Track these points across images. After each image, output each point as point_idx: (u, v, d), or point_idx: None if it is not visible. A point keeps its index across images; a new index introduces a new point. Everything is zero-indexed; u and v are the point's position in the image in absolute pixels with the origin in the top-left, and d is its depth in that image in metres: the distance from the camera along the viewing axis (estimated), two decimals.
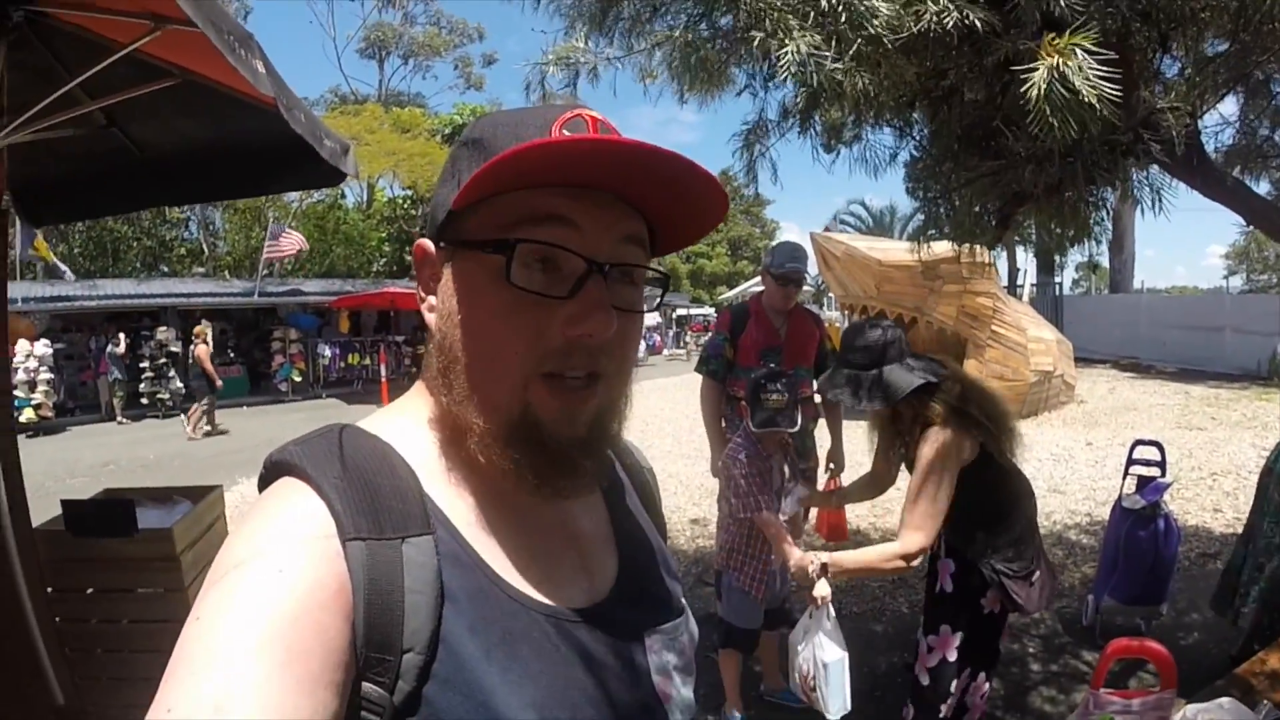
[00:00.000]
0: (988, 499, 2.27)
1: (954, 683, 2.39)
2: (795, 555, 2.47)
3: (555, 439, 0.61)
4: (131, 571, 2.74)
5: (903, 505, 2.29)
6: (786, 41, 1.79)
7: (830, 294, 18.59)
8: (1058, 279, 22.80)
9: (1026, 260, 21.76)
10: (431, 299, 0.67)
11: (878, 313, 10.52)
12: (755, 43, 1.88)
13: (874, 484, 2.79)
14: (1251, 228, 2.71)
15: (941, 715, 2.41)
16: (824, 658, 2.37)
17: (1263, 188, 2.96)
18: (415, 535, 0.57)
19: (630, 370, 0.68)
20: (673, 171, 0.59)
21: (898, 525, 2.35)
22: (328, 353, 18.51)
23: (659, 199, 0.62)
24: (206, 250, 27.04)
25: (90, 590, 2.79)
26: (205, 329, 12.84)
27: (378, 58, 36.12)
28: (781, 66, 1.81)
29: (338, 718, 0.50)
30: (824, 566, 2.35)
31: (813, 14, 1.82)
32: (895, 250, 10.36)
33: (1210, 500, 6.20)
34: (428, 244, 0.67)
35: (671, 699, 0.70)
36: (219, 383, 12.75)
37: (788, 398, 2.70)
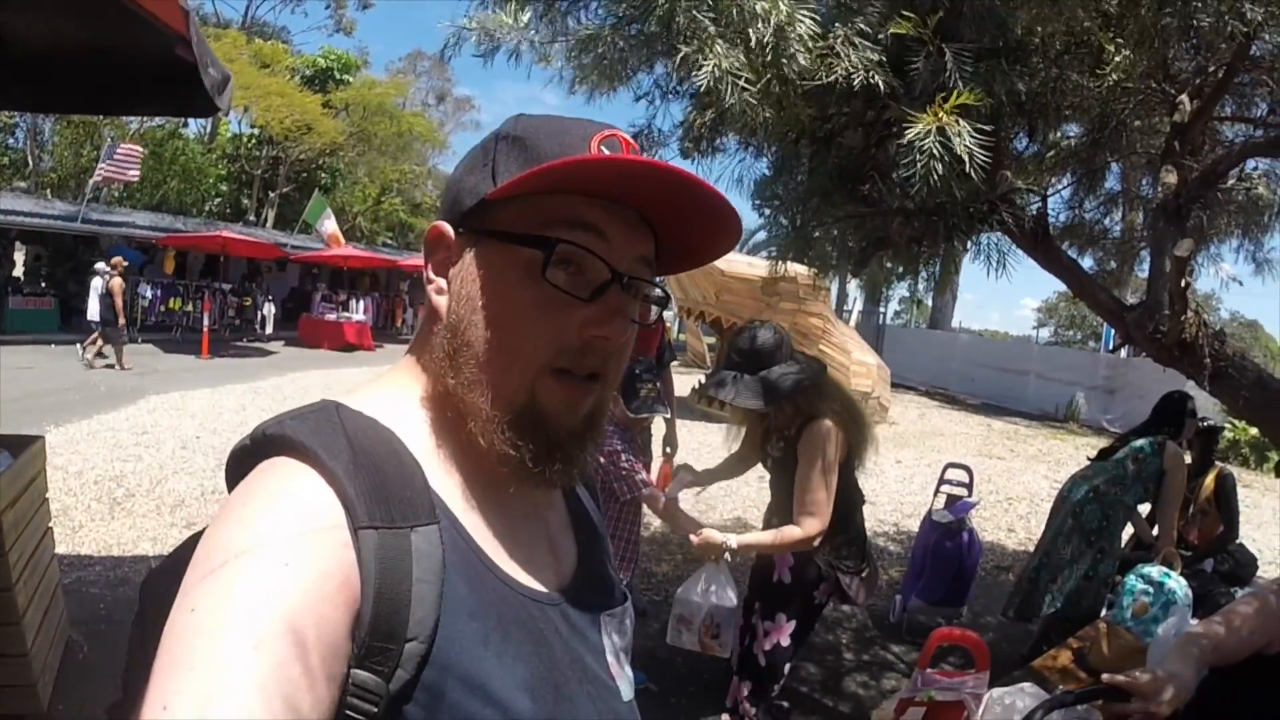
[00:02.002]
0: (837, 501, 2.48)
1: (787, 665, 2.65)
2: (706, 533, 2.63)
3: (556, 428, 0.65)
4: None
5: (795, 496, 2.46)
6: (711, 57, 1.90)
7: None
8: (882, 309, 24.67)
9: (855, 288, 23.40)
10: (441, 281, 0.68)
11: (714, 320, 10.99)
12: (680, 56, 1.97)
13: (738, 463, 2.99)
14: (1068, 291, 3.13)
15: (773, 695, 2.67)
16: (727, 604, 2.67)
17: (1086, 261, 3.43)
18: (423, 524, 0.57)
19: (620, 375, 0.72)
20: (705, 202, 0.64)
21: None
22: (149, 294, 16.87)
23: (678, 221, 0.67)
24: (31, 164, 23.94)
25: None
26: (121, 261, 12.69)
27: None
28: (700, 77, 1.92)
29: (333, 707, 0.50)
30: (732, 550, 2.56)
31: (740, 44, 1.94)
32: (738, 263, 10.84)
33: (1005, 521, 7.09)
34: (446, 227, 0.68)
35: (620, 677, 0.76)
36: (123, 321, 12.35)
37: (658, 386, 2.91)
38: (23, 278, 17.08)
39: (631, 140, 0.68)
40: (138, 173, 17.08)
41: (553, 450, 0.65)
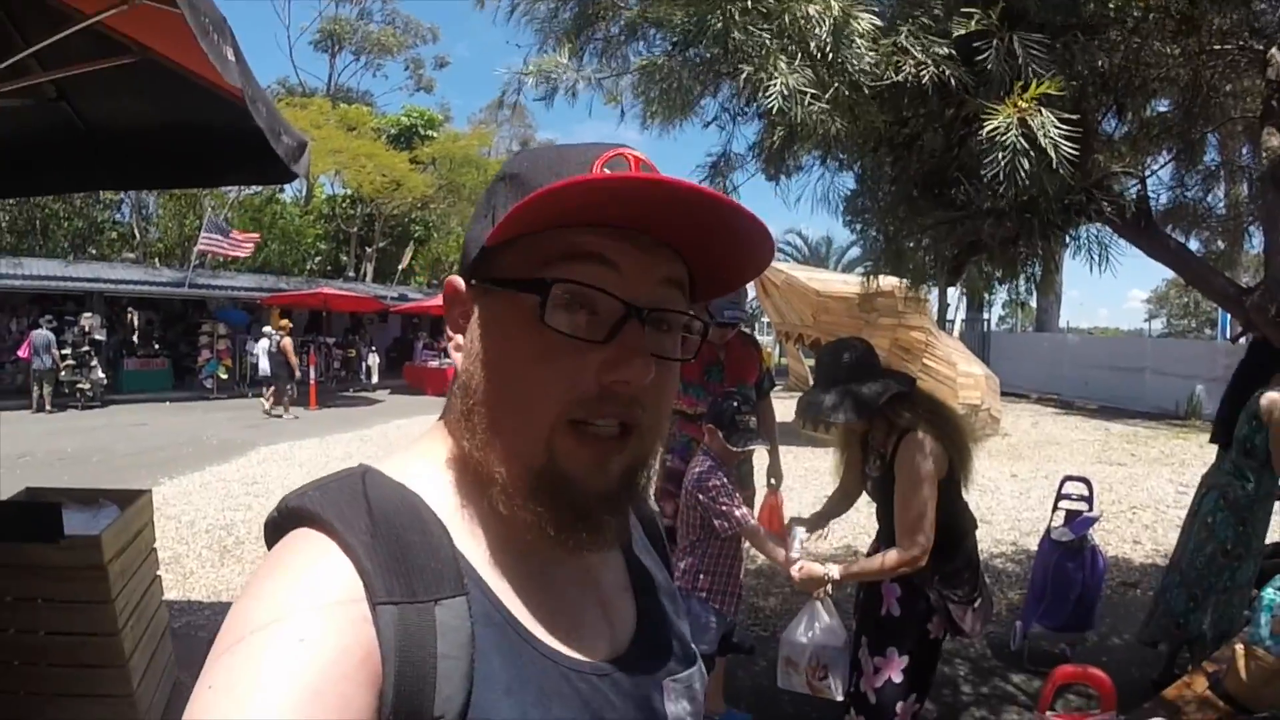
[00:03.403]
0: (942, 525, 2.33)
1: (900, 704, 2.45)
2: (807, 566, 2.51)
3: (582, 492, 0.59)
4: (55, 580, 2.58)
5: (895, 515, 2.35)
6: (776, 75, 1.82)
7: (765, 319, 18.96)
8: (986, 315, 23.69)
9: (957, 297, 22.57)
10: (459, 338, 0.64)
11: (813, 341, 10.81)
12: (744, 76, 1.90)
13: (845, 498, 2.85)
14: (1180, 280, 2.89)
15: None
16: (834, 643, 2.54)
17: (1193, 244, 3.15)
18: (448, 597, 0.54)
19: (666, 422, 0.66)
20: (718, 214, 0.57)
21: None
22: (257, 350, 17.92)
23: (702, 242, 0.60)
24: (138, 236, 25.94)
25: (8, 598, 2.62)
26: (288, 324, 14.87)
27: (330, 51, 35.32)
28: (769, 98, 1.83)
29: None
30: (834, 580, 2.44)
31: (800, 54, 1.86)
32: (833, 281, 10.73)
33: (1130, 533, 6.54)
34: (458, 281, 0.64)
35: None
36: (298, 373, 14.60)
37: (756, 417, 2.84)
38: (136, 340, 18.32)
39: (642, 157, 0.61)
40: (249, 251, 18.14)
41: (578, 515, 0.59)
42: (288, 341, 14.27)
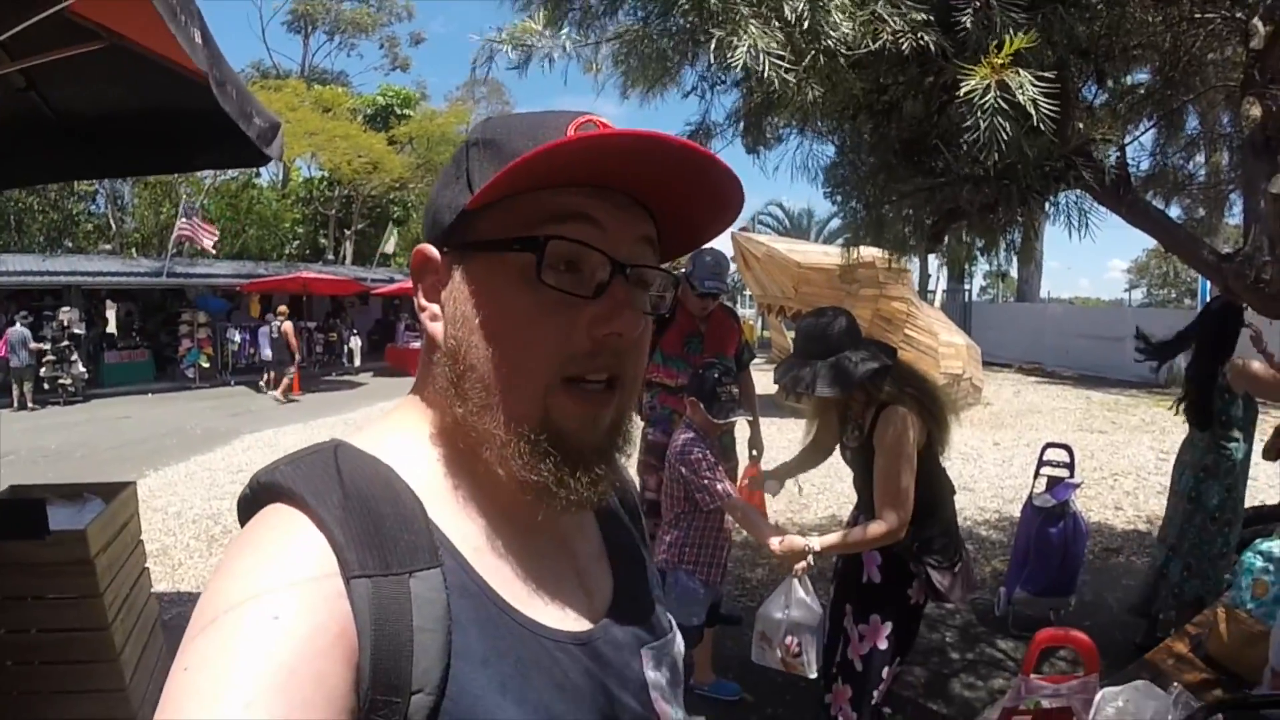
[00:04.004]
0: (921, 494, 2.35)
1: (885, 669, 2.50)
2: (788, 539, 2.52)
3: (577, 446, 0.60)
4: (42, 576, 2.57)
5: (875, 488, 2.37)
6: (745, 37, 1.79)
7: (747, 292, 18.94)
8: (967, 286, 23.83)
9: (938, 267, 22.66)
10: (434, 307, 0.63)
11: (794, 313, 10.84)
12: (714, 41, 1.87)
13: (816, 453, 2.87)
14: (1160, 248, 2.91)
15: (874, 701, 2.51)
16: (810, 622, 2.55)
17: (1173, 211, 3.17)
18: (422, 569, 0.53)
19: (642, 376, 0.67)
20: (697, 166, 0.58)
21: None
22: (237, 338, 17.78)
23: (675, 197, 0.62)
24: (114, 226, 25.56)
25: None
26: (285, 309, 15.18)
27: (304, 32, 34.72)
28: (734, 58, 1.81)
29: None
30: (815, 552, 2.44)
31: (775, 21, 1.83)
32: (813, 253, 10.73)
33: (1111, 499, 6.64)
34: (429, 249, 0.63)
35: (666, 713, 0.70)
36: (299, 356, 15.00)
37: (737, 389, 2.85)
38: (116, 333, 18.13)
39: (608, 122, 0.61)
40: (210, 241, 17.94)
41: (576, 469, 0.60)
42: (289, 325, 14.63)
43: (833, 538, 2.48)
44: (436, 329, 0.63)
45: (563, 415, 0.59)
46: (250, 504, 0.57)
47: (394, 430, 0.65)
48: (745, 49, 1.79)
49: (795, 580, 2.58)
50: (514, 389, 0.59)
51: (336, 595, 0.50)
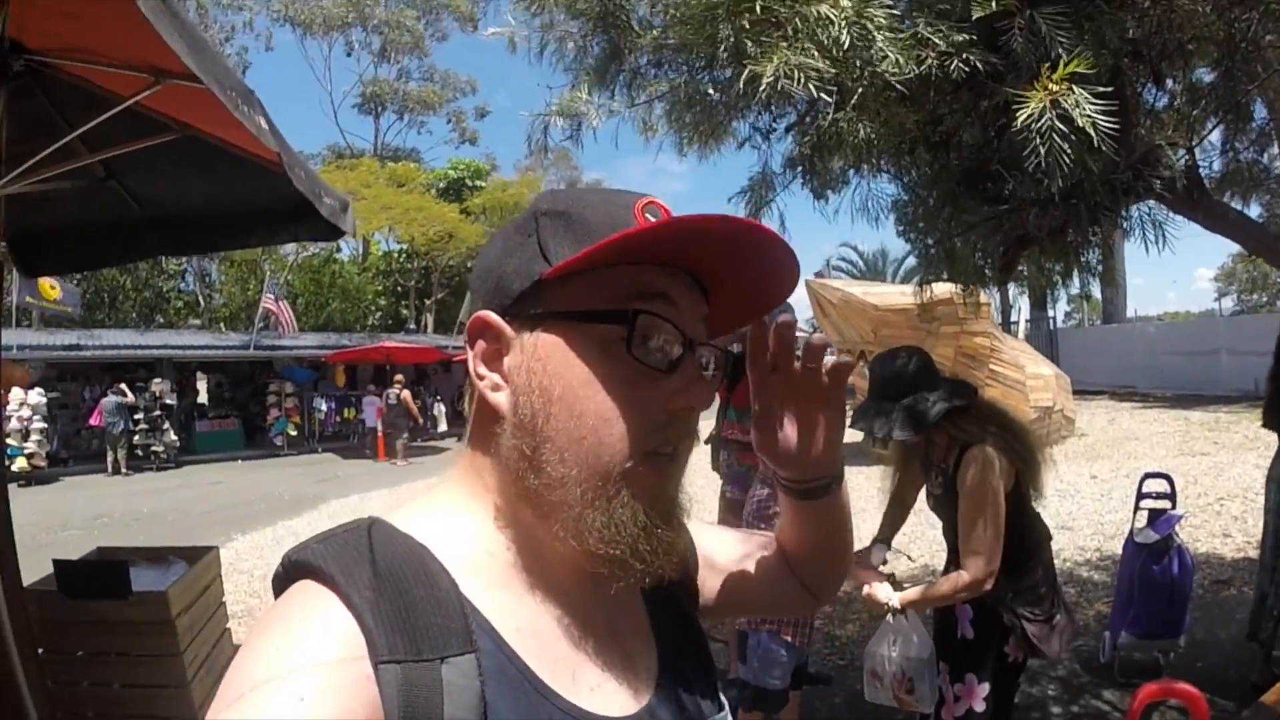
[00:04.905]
0: (1012, 541, 2.20)
1: None
2: (872, 588, 2.42)
3: (649, 514, 0.59)
4: (125, 635, 2.67)
5: (960, 535, 2.23)
6: (774, 60, 1.77)
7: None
8: (1051, 313, 22.94)
9: (1019, 297, 21.93)
10: (494, 377, 0.62)
11: (875, 357, 10.55)
12: (744, 74, 1.84)
13: (900, 507, 2.74)
14: (1245, 252, 2.74)
15: None
16: (921, 654, 2.40)
17: (1253, 210, 2.98)
18: (456, 654, 0.52)
19: (692, 449, 0.67)
20: (770, 254, 0.62)
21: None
22: (323, 406, 18.46)
23: (736, 278, 0.65)
24: (202, 302, 27.10)
25: (81, 653, 2.72)
26: (401, 379, 16.28)
27: (373, 113, 36.52)
28: (765, 77, 1.77)
29: None
30: (898, 609, 2.33)
31: (811, 45, 1.81)
32: (890, 294, 10.46)
33: (1219, 526, 6.16)
34: (492, 316, 0.62)
35: None
36: (419, 420, 16.06)
37: None
38: (207, 403, 19.11)
39: (668, 206, 0.65)
40: (289, 322, 18.87)
41: (650, 538, 0.60)
42: (408, 394, 15.69)
43: (913, 593, 2.34)
44: (499, 399, 0.62)
45: (639, 484, 0.59)
46: (283, 582, 0.56)
47: (437, 506, 0.65)
48: (775, 68, 1.77)
49: (900, 615, 2.44)
50: (596, 460, 0.58)
51: (365, 679, 0.48)
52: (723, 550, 0.88)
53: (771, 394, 0.72)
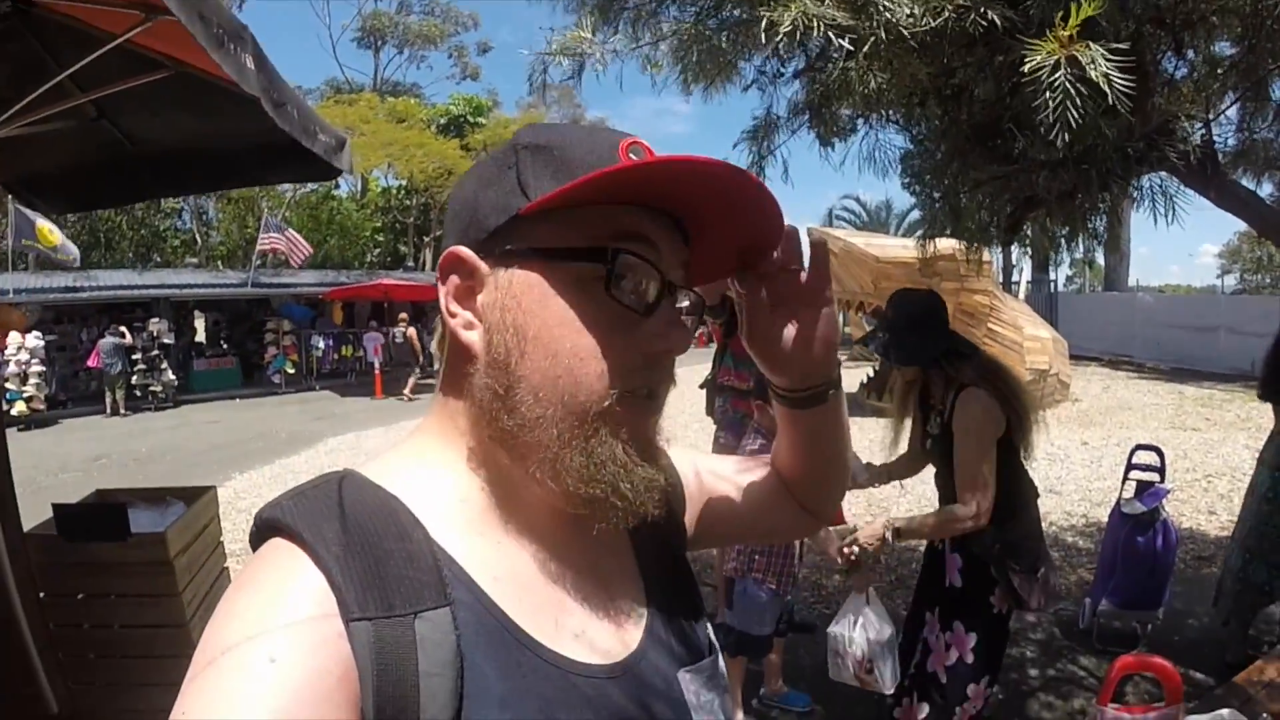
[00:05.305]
0: (1001, 489, 2.27)
1: (972, 686, 2.38)
2: (867, 527, 2.46)
3: (628, 452, 0.59)
4: (124, 576, 2.69)
5: (955, 472, 2.31)
6: (791, 8, 1.72)
7: None
8: (1052, 276, 22.84)
9: (1021, 258, 21.80)
10: (467, 315, 0.60)
11: (873, 309, 10.58)
12: (763, 23, 1.79)
13: (912, 461, 2.77)
14: (1252, 232, 2.71)
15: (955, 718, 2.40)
16: (880, 638, 2.48)
17: (1264, 190, 2.94)
18: (429, 609, 0.51)
19: (668, 392, 0.66)
20: (753, 200, 0.61)
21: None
22: (321, 344, 18.38)
23: (719, 225, 0.64)
24: (200, 241, 26.89)
25: (81, 595, 2.75)
26: (405, 316, 16.43)
27: (373, 47, 35.70)
28: (782, 27, 1.72)
29: None
30: (896, 531, 2.38)
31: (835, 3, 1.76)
32: (892, 247, 10.43)
33: (1205, 503, 6.23)
34: (466, 252, 0.60)
35: None
36: (421, 358, 16.07)
37: None
38: (204, 342, 19.10)
39: (651, 148, 0.63)
40: (301, 254, 18.66)
41: (631, 476, 0.59)
42: (413, 331, 15.93)
43: (907, 521, 2.42)
44: (472, 338, 0.60)
45: (616, 425, 0.58)
46: (255, 541, 0.56)
47: (410, 454, 0.63)
48: (793, 18, 1.72)
49: (862, 597, 2.52)
50: (571, 400, 0.57)
51: (336, 637, 0.48)
52: (717, 476, 0.88)
53: (759, 300, 0.71)
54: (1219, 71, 2.13)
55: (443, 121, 28.68)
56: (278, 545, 0.52)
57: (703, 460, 0.89)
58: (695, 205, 0.61)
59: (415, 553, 0.53)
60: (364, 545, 0.51)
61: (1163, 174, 2.23)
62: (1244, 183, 2.68)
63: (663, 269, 0.60)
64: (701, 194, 0.59)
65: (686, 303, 0.65)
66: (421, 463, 0.62)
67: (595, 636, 0.61)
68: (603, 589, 0.65)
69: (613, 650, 0.61)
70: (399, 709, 0.48)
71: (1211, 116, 2.25)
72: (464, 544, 0.57)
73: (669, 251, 0.61)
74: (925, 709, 2.47)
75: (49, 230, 12.29)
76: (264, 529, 0.55)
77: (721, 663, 0.73)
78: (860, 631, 2.50)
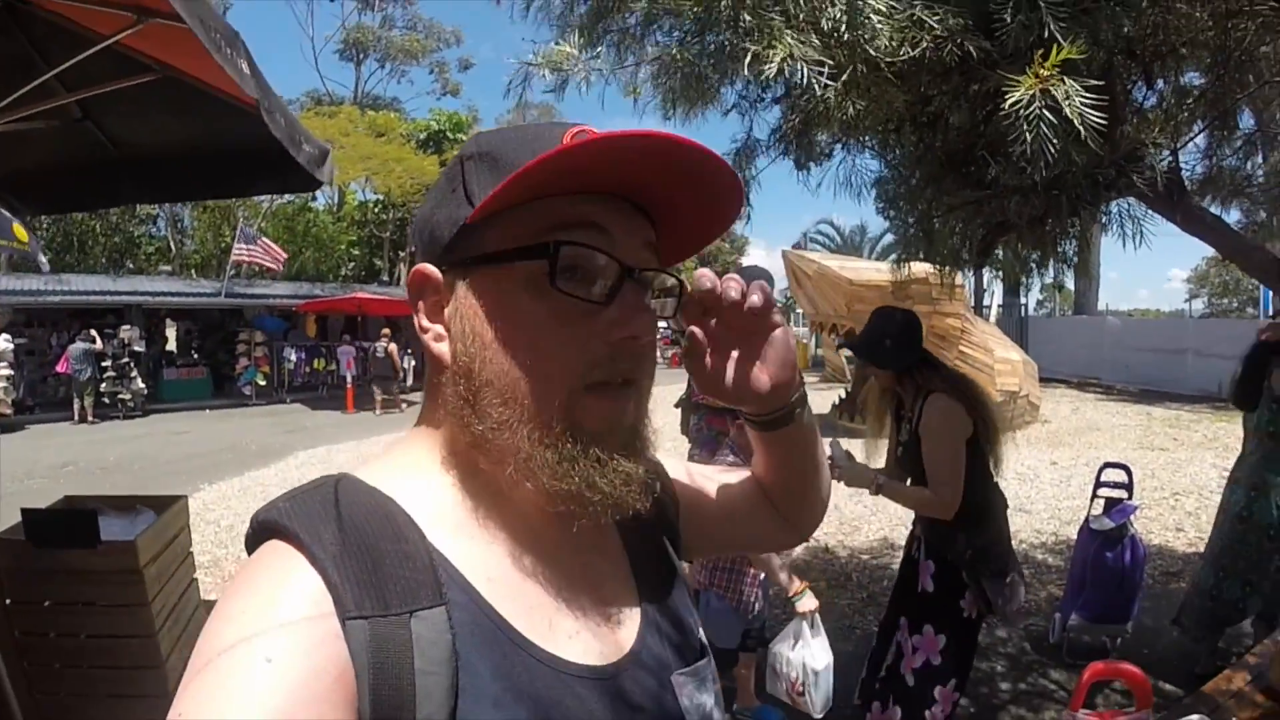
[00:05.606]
0: (970, 501, 2.34)
1: (939, 689, 2.42)
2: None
3: (604, 446, 0.58)
4: (93, 584, 2.63)
5: (927, 473, 2.41)
6: (779, 47, 1.76)
7: (798, 310, 18.80)
8: (1023, 300, 23.22)
9: (993, 281, 22.15)
10: (437, 328, 0.62)
11: (847, 331, 10.72)
12: (748, 57, 1.85)
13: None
14: (1219, 256, 2.80)
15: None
16: (814, 665, 2.55)
17: (1231, 217, 3.04)
18: (425, 608, 0.51)
19: (653, 378, 0.65)
20: (699, 164, 0.58)
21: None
22: (293, 357, 18.21)
23: (674, 201, 0.62)
24: (174, 248, 26.55)
25: (49, 602, 2.67)
26: (388, 332, 16.12)
27: (355, 60, 35.65)
28: (770, 70, 1.77)
29: None
30: (879, 486, 2.47)
31: (813, 32, 1.81)
32: (866, 270, 10.59)
33: (1173, 520, 6.35)
34: (428, 268, 0.62)
35: None
36: (400, 374, 16.21)
37: None
38: (175, 351, 18.81)
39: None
40: (273, 263, 18.46)
41: (605, 469, 0.58)
42: (393, 346, 15.73)
43: (897, 485, 2.53)
44: (443, 349, 0.61)
45: (586, 417, 0.58)
46: (252, 543, 0.56)
47: (402, 459, 0.64)
48: (780, 59, 1.77)
49: (804, 621, 2.60)
50: (535, 399, 0.57)
51: (333, 637, 0.48)
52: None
53: (703, 346, 0.70)
54: (1188, 101, 2.21)
55: (422, 137, 28.64)
56: (274, 546, 0.53)
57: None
58: (644, 183, 0.59)
59: (411, 553, 0.54)
60: (360, 546, 0.52)
61: (1131, 199, 2.30)
62: (1211, 209, 2.77)
63: (618, 254, 0.58)
64: (648, 170, 0.57)
65: (670, 283, 0.65)
66: (414, 467, 0.63)
67: (589, 638, 0.61)
68: (596, 591, 0.65)
69: (607, 651, 0.62)
70: (395, 707, 0.48)
71: (1179, 144, 2.33)
72: (458, 546, 0.57)
73: (624, 235, 0.60)
74: (896, 714, 2.51)
75: (21, 229, 12.03)
76: (260, 530, 0.55)
77: (714, 666, 0.73)
78: (798, 653, 2.58)
